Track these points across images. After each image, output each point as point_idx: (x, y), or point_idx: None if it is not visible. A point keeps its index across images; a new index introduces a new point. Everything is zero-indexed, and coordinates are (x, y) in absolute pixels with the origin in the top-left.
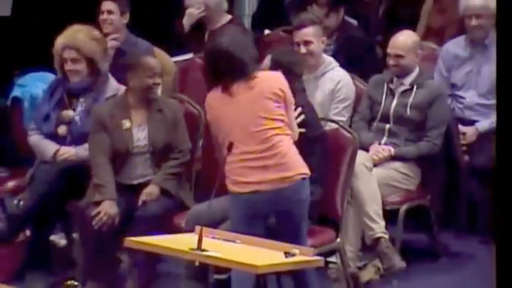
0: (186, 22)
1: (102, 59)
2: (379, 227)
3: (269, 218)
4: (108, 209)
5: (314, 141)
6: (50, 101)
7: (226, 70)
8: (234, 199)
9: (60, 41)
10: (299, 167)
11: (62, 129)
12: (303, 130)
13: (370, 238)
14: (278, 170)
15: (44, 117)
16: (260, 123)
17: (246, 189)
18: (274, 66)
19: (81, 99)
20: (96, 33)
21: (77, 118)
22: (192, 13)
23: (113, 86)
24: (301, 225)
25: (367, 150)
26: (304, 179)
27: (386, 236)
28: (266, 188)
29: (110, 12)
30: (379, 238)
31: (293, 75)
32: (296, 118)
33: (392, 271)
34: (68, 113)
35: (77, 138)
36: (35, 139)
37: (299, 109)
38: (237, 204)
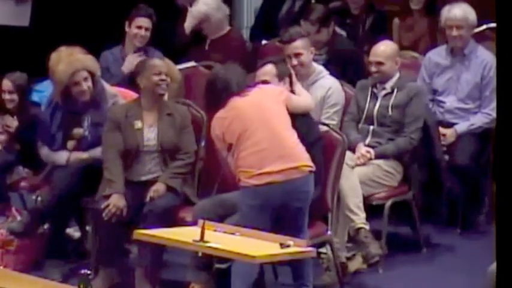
0: (188, 24)
1: (98, 70)
2: (359, 219)
3: (278, 208)
4: (116, 201)
5: (311, 146)
6: (52, 123)
7: (224, 88)
8: (248, 191)
9: (65, 68)
10: (306, 160)
11: (71, 144)
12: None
13: (352, 229)
14: (288, 161)
15: (50, 138)
16: (267, 117)
17: (260, 181)
18: (280, 74)
19: (86, 115)
20: (82, 49)
21: (86, 133)
22: (194, 14)
23: (111, 93)
24: (305, 216)
25: (354, 148)
26: (311, 171)
27: (367, 227)
28: (279, 179)
29: (147, 29)
30: (359, 229)
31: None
32: None
33: (369, 257)
34: (79, 131)
35: (87, 148)
36: (45, 152)
37: None
38: (251, 196)
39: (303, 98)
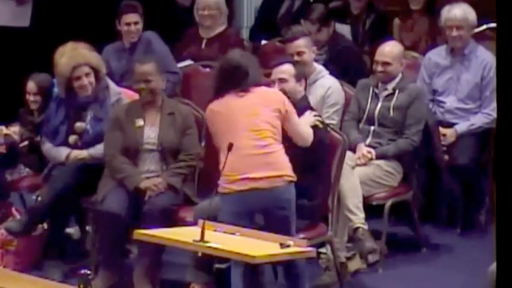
0: None
1: (103, 67)
2: (357, 219)
3: (256, 215)
4: (153, 182)
5: (316, 152)
6: (56, 116)
7: (232, 76)
8: (228, 197)
9: (67, 61)
10: (288, 170)
11: (73, 139)
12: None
13: (350, 229)
14: (271, 169)
15: (53, 131)
16: (257, 124)
17: (242, 187)
18: (298, 75)
19: (89, 110)
20: (88, 45)
21: (88, 127)
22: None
23: (115, 90)
24: (291, 223)
25: (354, 148)
26: (291, 182)
27: (365, 227)
28: (261, 185)
29: (136, 23)
30: (357, 228)
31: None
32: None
33: (365, 252)
34: (82, 125)
35: (88, 144)
36: (47, 147)
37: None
38: (231, 201)
39: (306, 129)
